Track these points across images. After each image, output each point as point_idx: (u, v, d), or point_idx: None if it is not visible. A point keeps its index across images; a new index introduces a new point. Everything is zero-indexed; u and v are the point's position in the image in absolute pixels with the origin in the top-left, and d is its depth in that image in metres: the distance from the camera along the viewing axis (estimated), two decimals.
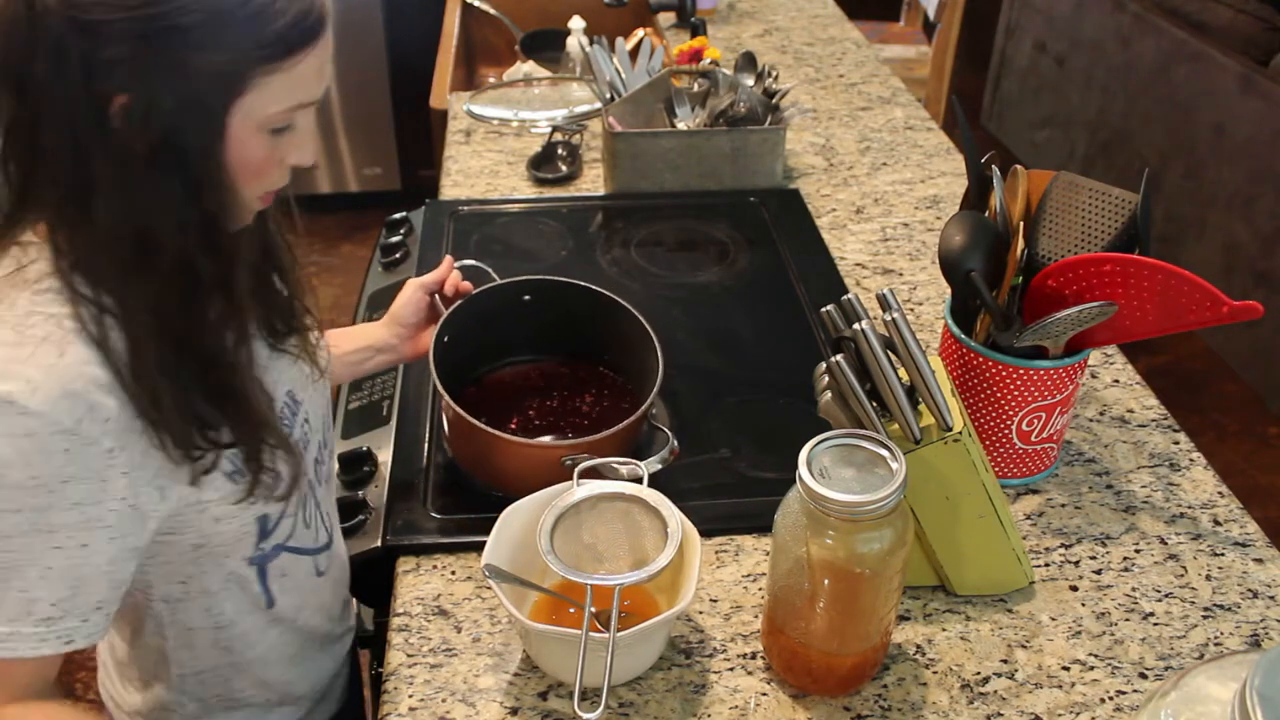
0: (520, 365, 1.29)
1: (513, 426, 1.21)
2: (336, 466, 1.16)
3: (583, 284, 1.25)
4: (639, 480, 1.00)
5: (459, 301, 1.18)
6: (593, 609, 0.89)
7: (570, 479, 0.99)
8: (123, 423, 0.76)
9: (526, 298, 1.25)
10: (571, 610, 0.98)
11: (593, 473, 1.05)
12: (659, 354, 1.16)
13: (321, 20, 0.76)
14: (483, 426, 1.07)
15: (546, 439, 1.20)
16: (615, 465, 1.08)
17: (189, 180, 0.76)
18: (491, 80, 2.19)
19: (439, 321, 1.16)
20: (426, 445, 1.22)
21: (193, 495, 0.84)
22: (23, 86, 0.72)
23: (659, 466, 1.10)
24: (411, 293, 1.17)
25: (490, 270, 1.27)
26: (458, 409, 1.08)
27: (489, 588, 1.04)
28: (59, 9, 0.69)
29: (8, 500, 0.74)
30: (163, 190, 0.75)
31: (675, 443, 1.12)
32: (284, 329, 0.93)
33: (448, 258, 1.21)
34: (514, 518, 1.00)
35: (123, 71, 0.71)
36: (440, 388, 1.10)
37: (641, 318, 1.21)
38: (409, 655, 0.99)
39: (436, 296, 1.19)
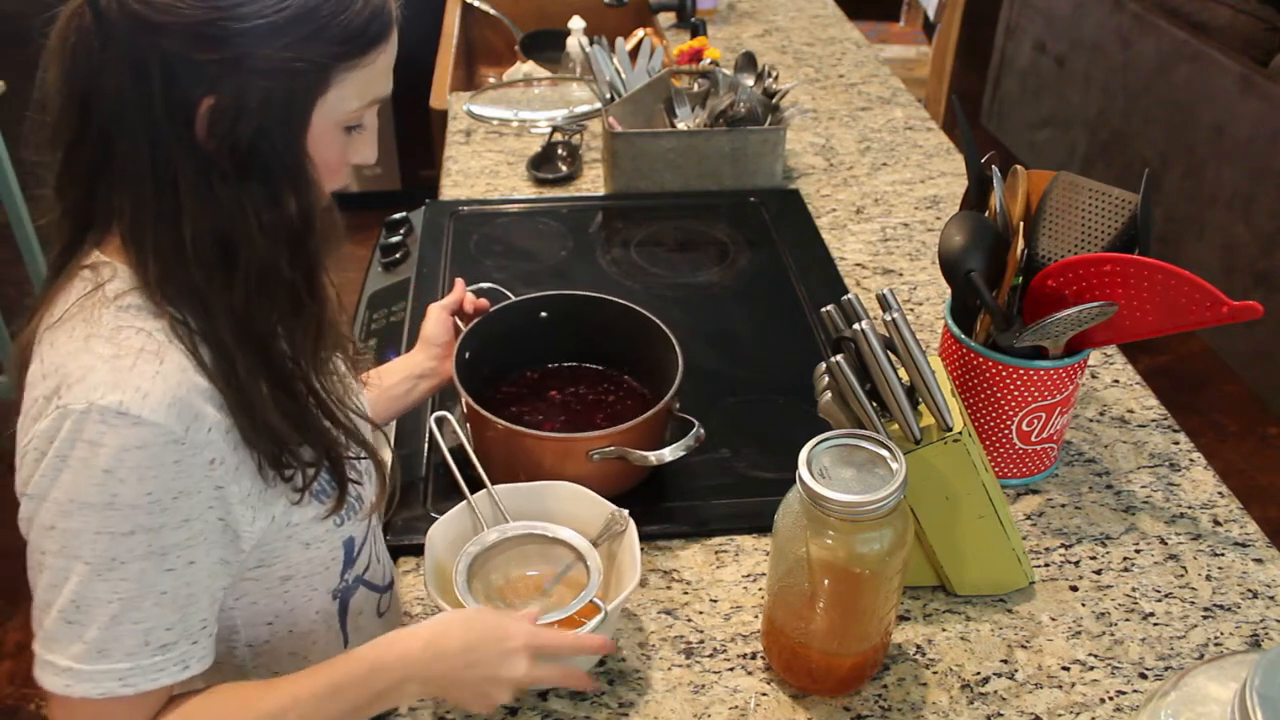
0: (542, 375, 1.29)
1: (539, 427, 1.21)
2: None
3: (597, 295, 1.26)
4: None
5: (477, 319, 1.21)
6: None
7: (593, 470, 1.01)
8: (221, 433, 0.75)
9: (543, 314, 1.27)
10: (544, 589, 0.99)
11: (620, 460, 1.07)
12: (678, 352, 1.17)
13: (392, 15, 0.77)
14: (505, 424, 1.08)
15: (575, 434, 1.21)
16: (639, 454, 1.08)
17: (274, 183, 0.75)
18: (491, 80, 2.19)
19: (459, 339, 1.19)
20: (427, 445, 1.22)
21: (284, 517, 0.82)
22: (90, 103, 0.71)
23: (683, 453, 1.11)
24: (437, 314, 1.20)
25: (504, 290, 1.29)
26: (478, 408, 1.09)
27: None
28: (137, 14, 0.68)
29: (122, 522, 0.71)
30: (249, 194, 0.74)
31: (701, 430, 1.12)
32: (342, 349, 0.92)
33: (458, 281, 1.24)
34: (540, 493, 1.03)
35: (211, 73, 0.70)
36: (463, 391, 1.11)
37: (658, 320, 1.21)
38: None
39: (456, 318, 1.21)
